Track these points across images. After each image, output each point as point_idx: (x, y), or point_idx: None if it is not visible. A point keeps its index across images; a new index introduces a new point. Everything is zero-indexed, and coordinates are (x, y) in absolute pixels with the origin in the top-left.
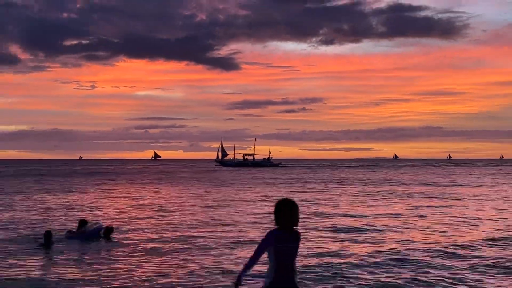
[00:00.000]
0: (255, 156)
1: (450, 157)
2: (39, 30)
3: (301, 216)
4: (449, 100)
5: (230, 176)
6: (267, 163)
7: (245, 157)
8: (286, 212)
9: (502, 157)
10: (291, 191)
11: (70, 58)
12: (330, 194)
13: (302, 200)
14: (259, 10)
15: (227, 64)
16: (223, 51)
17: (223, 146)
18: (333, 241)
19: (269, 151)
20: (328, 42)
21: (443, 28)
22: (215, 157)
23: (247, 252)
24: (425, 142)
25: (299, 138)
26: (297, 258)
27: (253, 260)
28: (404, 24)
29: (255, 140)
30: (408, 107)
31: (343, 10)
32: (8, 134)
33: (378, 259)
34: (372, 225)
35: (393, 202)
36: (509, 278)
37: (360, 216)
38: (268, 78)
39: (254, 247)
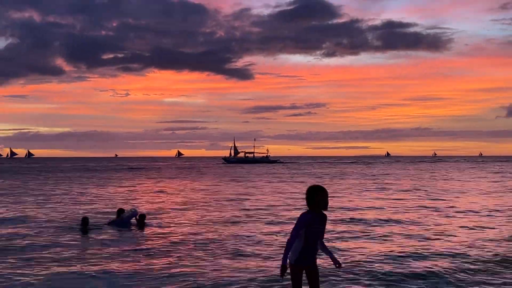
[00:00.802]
0: (254, 154)
1: (435, 154)
2: (81, 46)
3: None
4: (436, 104)
5: (237, 172)
6: (265, 160)
7: (246, 154)
8: (317, 197)
9: (481, 154)
10: (292, 182)
11: (107, 70)
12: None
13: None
14: (270, 27)
15: (243, 74)
16: (239, 63)
17: (235, 145)
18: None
19: (267, 150)
20: (330, 54)
21: (430, 42)
22: (228, 155)
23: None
24: (415, 142)
25: (305, 138)
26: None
27: (291, 244)
28: (396, 39)
29: (255, 140)
30: (400, 111)
31: (343, 27)
32: (54, 135)
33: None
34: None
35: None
36: None
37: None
38: (278, 86)
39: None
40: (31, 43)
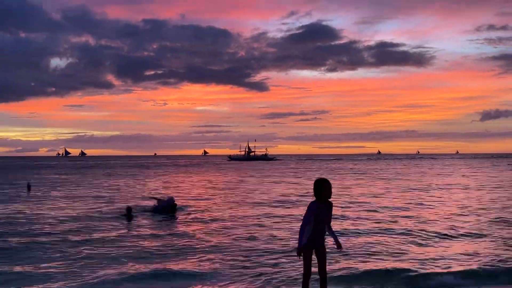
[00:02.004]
0: (255, 152)
1: (418, 152)
2: (128, 64)
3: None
4: (421, 111)
5: (243, 167)
6: (264, 157)
7: (247, 153)
8: (323, 188)
9: (458, 152)
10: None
11: (149, 84)
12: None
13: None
14: (282, 48)
15: (260, 87)
16: (257, 78)
17: (249, 145)
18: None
19: (266, 148)
20: (332, 70)
21: (416, 59)
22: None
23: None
24: (403, 142)
25: (312, 139)
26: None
27: (303, 229)
28: (387, 57)
29: (255, 140)
30: (391, 116)
31: (343, 47)
32: (105, 137)
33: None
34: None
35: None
36: None
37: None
38: (289, 96)
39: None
40: (87, 62)
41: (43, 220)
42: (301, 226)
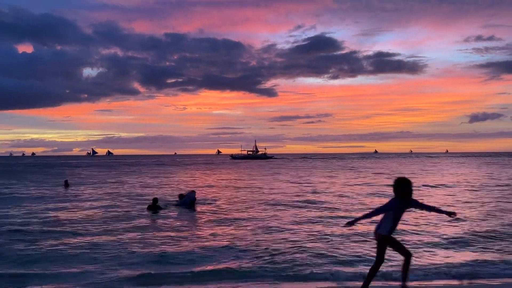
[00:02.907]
0: (255, 152)
1: (411, 151)
2: (151, 73)
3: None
4: (415, 114)
5: (247, 165)
6: (263, 156)
7: (248, 152)
8: (406, 186)
9: (447, 151)
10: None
11: (170, 90)
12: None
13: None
14: (290, 58)
15: (269, 93)
16: (267, 84)
17: (256, 145)
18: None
19: (265, 148)
20: (335, 77)
21: (410, 67)
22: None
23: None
24: (399, 142)
25: (316, 140)
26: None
27: (370, 216)
28: (384, 65)
29: (255, 141)
30: (388, 119)
31: (344, 57)
32: (131, 138)
33: None
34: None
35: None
36: None
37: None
38: (296, 101)
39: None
40: (115, 72)
41: (78, 212)
42: (372, 212)
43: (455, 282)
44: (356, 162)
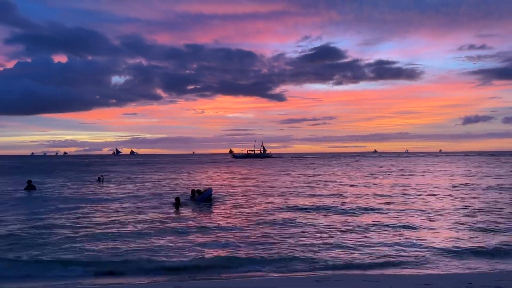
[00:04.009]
0: (255, 151)
1: (407, 151)
2: (173, 80)
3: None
4: (413, 116)
5: (250, 163)
6: (262, 155)
7: (248, 151)
8: None
9: (441, 150)
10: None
11: (190, 96)
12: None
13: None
14: (298, 66)
15: (279, 98)
16: (277, 90)
17: (263, 145)
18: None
19: (264, 147)
20: (339, 83)
21: (408, 73)
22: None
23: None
24: (397, 142)
25: (322, 140)
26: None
27: None
28: (384, 72)
29: (255, 141)
30: (388, 121)
31: (348, 65)
32: (155, 139)
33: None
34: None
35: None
36: None
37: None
38: (303, 105)
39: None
40: (140, 79)
41: (111, 204)
42: None
43: None
44: (352, 161)
